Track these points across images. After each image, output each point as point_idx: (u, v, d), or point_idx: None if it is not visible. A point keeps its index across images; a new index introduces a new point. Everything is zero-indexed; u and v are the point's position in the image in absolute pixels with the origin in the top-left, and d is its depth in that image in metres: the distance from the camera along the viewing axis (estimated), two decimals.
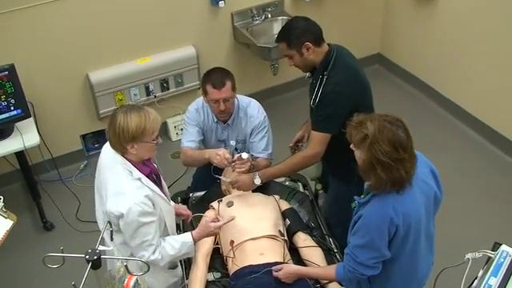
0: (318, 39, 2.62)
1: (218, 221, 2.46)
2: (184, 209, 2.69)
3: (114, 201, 2.22)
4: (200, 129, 3.02)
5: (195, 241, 2.42)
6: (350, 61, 2.71)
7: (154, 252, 2.28)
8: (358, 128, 2.00)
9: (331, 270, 2.26)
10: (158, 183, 2.40)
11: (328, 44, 2.67)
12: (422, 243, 2.18)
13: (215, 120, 3.01)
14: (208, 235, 2.48)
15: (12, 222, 2.40)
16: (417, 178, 2.05)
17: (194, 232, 2.43)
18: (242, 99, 3.02)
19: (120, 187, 2.22)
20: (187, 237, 2.41)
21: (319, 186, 3.22)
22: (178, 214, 2.59)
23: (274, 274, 2.34)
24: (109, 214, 2.23)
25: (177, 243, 2.37)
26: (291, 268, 2.39)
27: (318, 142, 2.65)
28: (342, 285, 2.36)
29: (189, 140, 3.00)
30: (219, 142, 3.08)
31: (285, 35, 2.64)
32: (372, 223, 2.04)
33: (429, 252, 2.29)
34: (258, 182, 2.74)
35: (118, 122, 2.17)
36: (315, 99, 2.64)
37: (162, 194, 2.38)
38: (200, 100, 3.03)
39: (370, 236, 2.05)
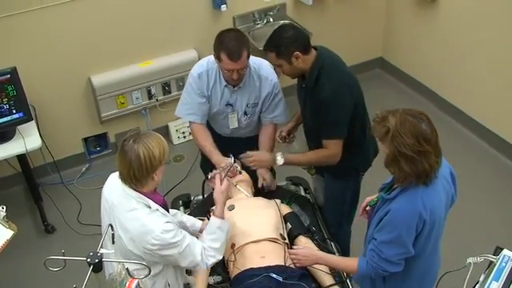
0: (306, 47, 2.57)
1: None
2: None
3: (141, 238, 2.11)
4: (203, 97, 2.84)
5: (221, 216, 2.31)
6: (338, 63, 2.67)
7: (206, 256, 2.22)
8: (381, 123, 2.01)
9: (353, 262, 2.25)
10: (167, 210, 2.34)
11: (314, 47, 2.62)
12: (439, 243, 2.19)
13: (224, 84, 2.82)
14: (225, 199, 2.38)
15: (12, 232, 2.40)
16: (441, 175, 2.07)
17: (215, 212, 2.31)
18: (252, 60, 2.79)
19: (142, 223, 2.13)
20: (214, 222, 2.29)
21: (312, 171, 3.14)
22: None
23: (293, 249, 2.42)
24: (140, 254, 2.12)
25: (211, 234, 2.27)
26: (313, 250, 2.45)
27: (333, 146, 2.62)
28: (350, 281, 2.44)
29: (190, 112, 2.87)
30: (226, 106, 2.90)
31: (273, 45, 2.57)
32: (401, 218, 2.03)
33: (439, 253, 2.30)
34: (280, 162, 2.68)
35: (139, 154, 2.03)
36: (314, 107, 2.62)
37: (175, 221, 2.30)
38: (204, 63, 2.84)
39: (399, 231, 2.04)
